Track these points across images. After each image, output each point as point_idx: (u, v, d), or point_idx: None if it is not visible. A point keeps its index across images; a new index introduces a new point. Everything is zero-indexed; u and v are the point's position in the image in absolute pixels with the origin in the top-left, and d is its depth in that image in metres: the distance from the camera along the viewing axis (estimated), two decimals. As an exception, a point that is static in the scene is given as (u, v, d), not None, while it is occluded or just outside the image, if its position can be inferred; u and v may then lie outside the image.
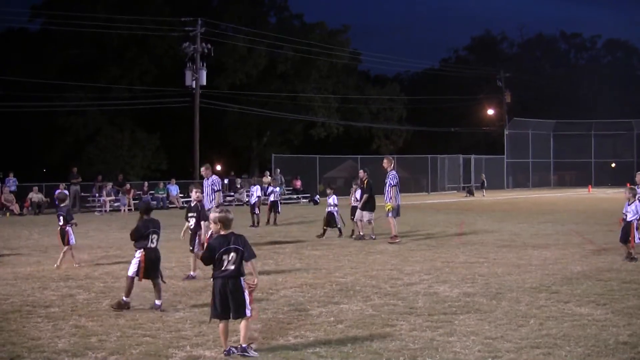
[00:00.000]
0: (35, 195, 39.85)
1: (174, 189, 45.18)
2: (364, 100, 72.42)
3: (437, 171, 64.93)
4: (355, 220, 22.74)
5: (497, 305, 11.38)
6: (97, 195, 43.47)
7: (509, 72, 78.75)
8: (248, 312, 8.50)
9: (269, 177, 47.07)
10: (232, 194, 47.72)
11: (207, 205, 17.63)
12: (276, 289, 13.06)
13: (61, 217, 16.61)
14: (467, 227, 26.55)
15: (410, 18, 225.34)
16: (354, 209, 23.35)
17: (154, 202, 43.00)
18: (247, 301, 8.51)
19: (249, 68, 65.35)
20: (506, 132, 74.23)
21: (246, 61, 64.93)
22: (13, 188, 40.55)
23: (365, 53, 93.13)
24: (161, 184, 45.63)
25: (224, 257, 8.52)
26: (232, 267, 8.48)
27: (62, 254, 16.32)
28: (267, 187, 31.56)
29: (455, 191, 63.29)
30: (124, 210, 41.34)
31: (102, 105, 58.06)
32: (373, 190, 22.56)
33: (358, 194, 23.34)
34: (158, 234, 12.03)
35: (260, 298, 12.13)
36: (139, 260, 11.61)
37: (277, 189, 32.41)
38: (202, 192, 16.82)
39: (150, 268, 11.65)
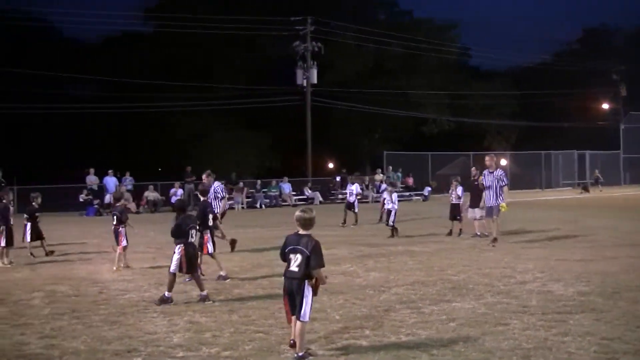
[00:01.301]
0: (150, 194, 40.83)
1: (286, 187, 45.56)
2: (474, 96, 71.55)
3: (551, 167, 63.68)
4: (469, 218, 22.44)
5: (613, 305, 11.08)
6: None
7: (624, 65, 76.37)
8: (303, 317, 8.32)
9: (381, 175, 47.16)
10: (344, 191, 47.80)
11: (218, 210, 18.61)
12: (388, 286, 13.05)
13: (115, 217, 16.63)
14: (583, 224, 26.00)
15: (519, 11, 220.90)
16: (453, 207, 23.06)
17: (267, 201, 43.51)
18: (307, 307, 8.34)
19: (358, 65, 65.35)
20: (622, 126, 72.17)
21: (355, 58, 64.95)
22: (129, 187, 41.63)
23: (475, 48, 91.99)
24: (274, 182, 46.06)
25: (291, 256, 8.48)
26: (296, 269, 8.37)
27: (117, 255, 16.39)
28: (380, 185, 31.45)
29: (569, 188, 61.90)
30: (238, 208, 41.89)
31: (214, 104, 58.94)
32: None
33: (460, 190, 23.08)
34: (196, 229, 12.54)
35: (372, 295, 12.18)
36: (180, 256, 11.95)
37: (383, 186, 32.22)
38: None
39: (190, 262, 12.04)
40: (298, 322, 8.34)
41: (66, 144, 69.00)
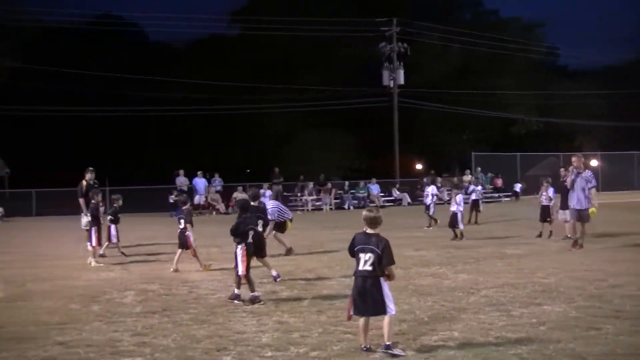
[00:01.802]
0: (239, 195, 41.16)
1: (374, 188, 45.52)
2: (563, 96, 70.26)
3: (645, 168, 62.19)
4: (560, 220, 22.03)
5: None
6: (299, 194, 44.41)
7: None
8: (390, 311, 8.44)
9: (470, 176, 46.74)
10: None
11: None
12: (477, 288, 12.94)
13: (182, 221, 16.68)
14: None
15: (607, 8, 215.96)
16: (544, 208, 22.68)
17: (355, 202, 43.54)
18: (388, 299, 8.44)
19: (444, 65, 64.96)
20: None
21: (441, 59, 64.58)
22: (219, 188, 42.16)
23: (563, 47, 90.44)
24: (362, 183, 46.08)
25: (361, 255, 8.54)
26: (370, 268, 8.44)
27: (177, 256, 16.47)
28: (469, 186, 31.11)
29: (664, 189, 60.40)
30: (326, 209, 42.05)
31: (302, 106, 59.24)
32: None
33: (551, 192, 22.68)
34: (255, 231, 12.67)
35: (460, 297, 12.09)
36: (242, 256, 12.16)
37: (479, 187, 31.87)
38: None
39: (248, 262, 12.25)
40: (386, 317, 8.46)
41: (156, 146, 70.26)
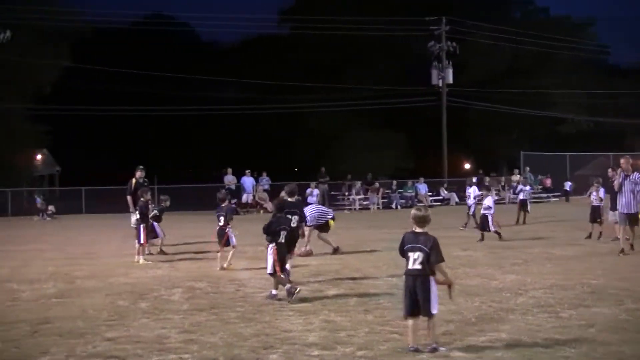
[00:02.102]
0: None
1: (422, 188, 45.35)
2: (614, 95, 69.29)
3: (701, 169, 61.05)
4: (610, 222, 21.68)
5: None
6: (346, 193, 44.38)
7: None
8: (433, 311, 8.46)
9: (518, 176, 46.37)
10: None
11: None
12: (525, 289, 12.83)
13: (221, 218, 16.80)
14: None
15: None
16: (594, 209, 22.38)
17: (402, 201, 43.44)
18: (435, 300, 8.46)
19: (493, 65, 64.46)
20: None
21: (490, 58, 64.10)
22: (266, 187, 42.28)
23: (614, 45, 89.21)
24: (409, 183, 45.95)
25: (410, 254, 8.56)
26: (419, 267, 8.46)
27: (220, 255, 16.62)
28: (517, 186, 30.85)
29: None
30: (373, 208, 41.97)
31: (350, 105, 59.18)
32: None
33: (602, 192, 22.37)
34: (287, 231, 12.68)
35: (508, 298, 12.00)
36: (273, 256, 12.29)
37: (527, 187, 31.52)
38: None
39: (281, 261, 12.33)
40: (429, 317, 8.50)
41: (205, 144, 70.71)
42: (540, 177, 50.18)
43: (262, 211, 38.99)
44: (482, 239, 21.56)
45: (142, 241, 18.13)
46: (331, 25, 56.54)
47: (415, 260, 8.50)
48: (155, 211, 19.88)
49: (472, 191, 27.94)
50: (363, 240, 22.72)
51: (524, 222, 28.48)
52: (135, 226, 20.04)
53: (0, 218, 39.67)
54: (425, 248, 8.46)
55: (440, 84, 52.96)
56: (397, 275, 14.46)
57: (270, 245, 12.42)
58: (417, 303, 8.50)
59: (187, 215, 35.32)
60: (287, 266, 12.91)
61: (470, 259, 17.26)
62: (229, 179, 41.90)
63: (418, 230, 8.71)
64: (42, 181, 59.28)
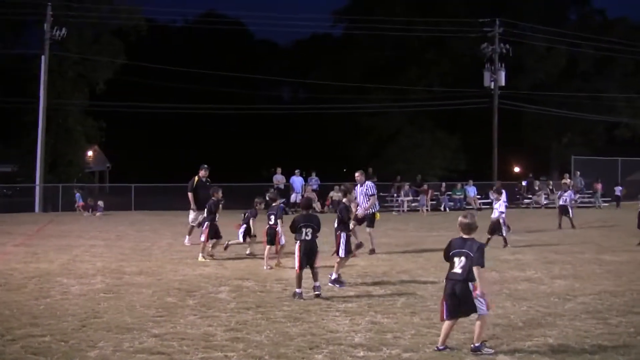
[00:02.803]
0: (336, 194, 41.23)
1: (471, 190, 45.07)
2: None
3: None
4: None
5: None
6: (395, 195, 44.27)
7: None
8: (483, 313, 8.48)
9: (568, 180, 45.91)
10: (530, 196, 46.85)
11: (360, 210, 18.95)
12: (573, 294, 12.72)
13: (272, 217, 16.94)
14: None
15: None
16: None
17: (451, 204, 43.27)
18: (480, 303, 8.46)
19: (548, 67, 63.81)
20: None
21: (545, 60, 63.46)
22: (315, 187, 42.34)
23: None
24: (459, 185, 45.71)
25: (455, 259, 8.64)
26: (460, 272, 8.54)
27: (267, 252, 16.81)
28: (561, 191, 30.32)
29: None
30: (422, 210, 41.83)
31: (402, 106, 59.03)
32: None
33: None
34: (312, 228, 12.81)
35: (556, 303, 11.90)
36: (298, 253, 12.63)
37: (567, 192, 30.67)
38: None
39: (305, 258, 12.59)
40: (478, 317, 8.56)
41: (256, 144, 71.07)
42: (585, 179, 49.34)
43: (310, 211, 39.03)
44: (487, 242, 20.32)
45: (203, 239, 18.25)
46: (384, 25, 56.46)
47: (458, 264, 8.58)
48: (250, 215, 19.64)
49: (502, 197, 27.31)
50: (412, 242, 22.68)
51: (572, 226, 27.90)
52: (193, 224, 20.37)
53: (51, 213, 40.23)
54: (470, 253, 8.52)
55: (492, 86, 52.59)
56: (444, 277, 14.46)
57: (298, 242, 12.73)
58: (457, 306, 8.54)
59: (236, 215, 35.47)
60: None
61: (519, 262, 17.15)
62: (278, 179, 42.04)
63: (465, 236, 8.79)
64: (92, 177, 59.96)
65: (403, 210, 41.76)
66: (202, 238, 18.29)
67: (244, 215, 19.11)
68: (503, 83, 52.58)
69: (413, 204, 42.99)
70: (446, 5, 65.28)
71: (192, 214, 21.39)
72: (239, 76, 58.25)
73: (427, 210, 42.15)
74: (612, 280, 14.51)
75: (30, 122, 45.13)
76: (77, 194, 41.63)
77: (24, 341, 9.19)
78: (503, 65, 52.75)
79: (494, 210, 21.64)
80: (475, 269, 8.46)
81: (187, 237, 21.63)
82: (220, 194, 19.20)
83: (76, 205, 40.45)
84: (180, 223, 29.52)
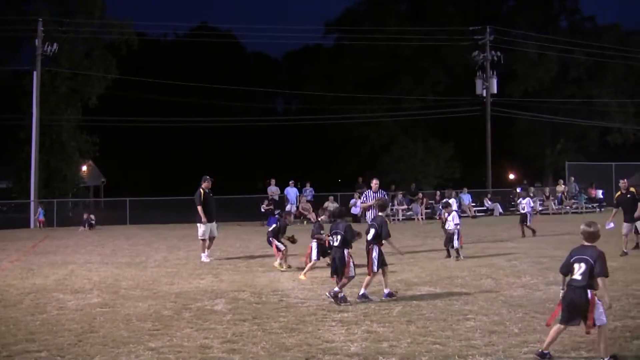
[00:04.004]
0: (330, 205, 41.12)
1: (466, 198, 45.12)
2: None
3: None
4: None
5: None
6: (389, 204, 44.26)
7: None
8: (600, 322, 8.48)
9: (563, 186, 46.07)
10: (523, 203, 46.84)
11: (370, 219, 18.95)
12: (568, 300, 12.72)
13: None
14: None
15: None
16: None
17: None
18: (597, 311, 8.46)
19: (540, 74, 64.05)
20: None
21: (537, 67, 63.69)
22: (310, 197, 42.32)
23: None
24: (453, 193, 45.72)
25: (575, 265, 8.64)
26: (580, 278, 8.52)
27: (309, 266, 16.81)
28: (560, 196, 30.26)
29: None
30: (418, 219, 41.84)
31: (395, 115, 59.18)
32: None
33: None
34: (339, 235, 13.14)
35: (552, 309, 11.89)
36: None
37: (526, 200, 29.88)
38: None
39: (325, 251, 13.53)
40: (597, 328, 8.54)
41: (250, 155, 71.10)
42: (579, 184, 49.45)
43: (305, 222, 39.03)
44: (449, 255, 20.47)
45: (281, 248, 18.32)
46: (376, 35, 56.64)
47: (578, 270, 8.59)
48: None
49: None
50: (407, 250, 22.64)
51: (534, 234, 27.15)
52: (202, 238, 20.28)
53: (46, 228, 40.22)
54: (590, 260, 8.53)
55: (485, 94, 52.71)
56: (440, 287, 14.50)
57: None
58: (572, 314, 8.56)
59: (230, 226, 35.50)
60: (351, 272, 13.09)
61: (515, 269, 17.16)
62: (273, 190, 42.03)
63: (586, 244, 8.84)
64: (87, 192, 59.94)
65: (398, 219, 41.77)
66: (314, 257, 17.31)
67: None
68: (495, 90, 52.70)
69: (407, 213, 43.02)
70: (438, 14, 65.57)
71: (202, 227, 20.79)
72: (231, 89, 58.30)
73: (422, 218, 42.14)
74: (607, 285, 14.51)
75: (24, 138, 45.22)
76: (40, 210, 41.68)
77: (21, 357, 9.19)
78: (495, 72, 52.88)
79: (447, 222, 21.09)
80: (600, 280, 8.46)
81: (203, 254, 20.73)
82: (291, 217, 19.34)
83: (37, 220, 40.74)
84: (175, 236, 29.59)
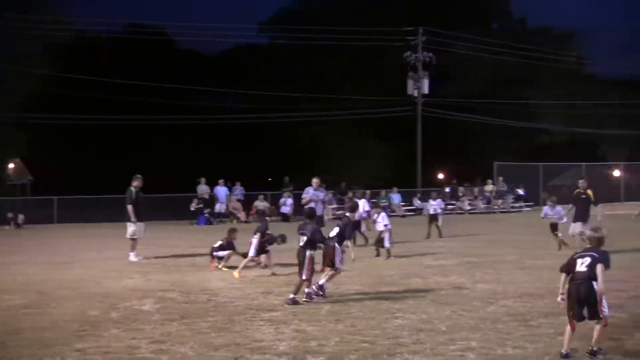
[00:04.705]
0: (260, 204, 41.20)
1: (396, 198, 45.40)
2: (590, 106, 69.72)
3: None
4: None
5: None
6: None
7: None
8: (605, 313, 8.62)
9: (491, 186, 46.72)
10: (454, 202, 47.37)
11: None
12: (495, 298, 12.91)
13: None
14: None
15: (636, 17, 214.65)
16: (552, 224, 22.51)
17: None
18: (602, 304, 8.59)
19: (471, 75, 64.80)
20: None
21: (469, 68, 64.41)
22: (240, 197, 42.17)
23: (591, 56, 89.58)
24: (383, 192, 45.96)
25: (579, 260, 8.80)
26: (584, 269, 8.68)
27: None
28: (489, 196, 30.69)
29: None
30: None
31: (328, 115, 59.28)
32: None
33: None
34: (305, 235, 13.17)
35: (479, 307, 12.06)
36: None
37: (436, 201, 30.09)
38: None
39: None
40: (596, 324, 8.71)
41: (178, 154, 70.51)
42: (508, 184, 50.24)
43: (235, 221, 38.90)
44: (378, 254, 20.74)
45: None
46: (309, 35, 56.70)
47: (582, 263, 8.72)
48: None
49: (362, 205, 25.78)
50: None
51: (440, 236, 27.43)
52: (132, 237, 19.93)
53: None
54: (595, 254, 8.72)
55: (416, 94, 53.07)
56: (369, 284, 14.57)
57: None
58: (582, 308, 8.68)
59: (158, 225, 35.19)
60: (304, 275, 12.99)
61: (442, 268, 17.33)
62: (203, 189, 41.79)
63: (591, 247, 9.01)
64: (14, 190, 58.80)
65: (328, 218, 41.81)
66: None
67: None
68: (426, 91, 53.08)
69: (337, 212, 43.11)
70: (372, 15, 65.87)
71: (132, 227, 20.46)
72: (165, 87, 57.74)
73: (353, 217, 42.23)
74: (532, 283, 14.76)
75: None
76: None
77: (-60, 360, 8.98)
78: (427, 73, 53.28)
79: (377, 223, 21.29)
80: (599, 266, 8.59)
81: (131, 253, 20.45)
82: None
83: None
84: (103, 235, 29.23)
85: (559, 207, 22.79)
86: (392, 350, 8.97)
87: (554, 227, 22.35)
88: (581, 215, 21.12)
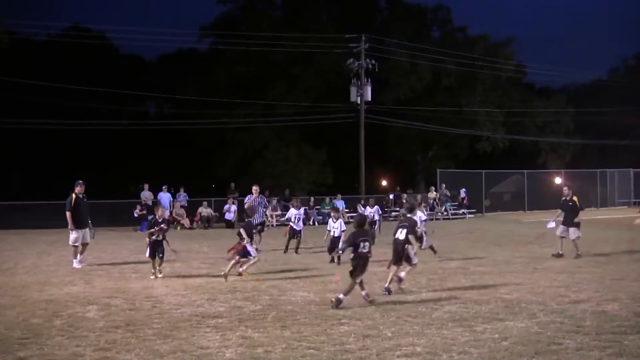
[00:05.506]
0: (204, 210, 40.99)
1: (339, 204, 45.47)
2: (530, 113, 70.63)
3: (607, 186, 62.51)
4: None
5: (671, 325, 10.93)
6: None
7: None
8: (414, 261, 9.53)
9: (435, 193, 47.07)
10: (398, 209, 47.61)
11: (256, 220, 21.48)
12: (440, 304, 13.01)
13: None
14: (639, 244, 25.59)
15: (575, 27, 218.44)
16: None
17: (320, 217, 43.60)
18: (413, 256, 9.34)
19: (413, 82, 65.18)
20: (681, 144, 70.74)
21: (409, 76, 64.80)
22: (184, 203, 41.88)
23: (531, 65, 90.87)
24: (327, 199, 46.08)
25: (399, 231, 11.21)
26: (403, 238, 10.95)
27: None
28: (432, 203, 30.93)
29: (626, 207, 60.70)
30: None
31: (269, 121, 59.25)
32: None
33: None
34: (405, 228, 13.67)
35: (424, 313, 12.15)
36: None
37: (373, 208, 30.67)
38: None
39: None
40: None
41: (121, 159, 70.01)
42: (450, 191, 50.72)
43: (179, 227, 38.65)
44: (333, 260, 20.76)
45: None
46: (251, 41, 56.62)
47: (399, 233, 11.23)
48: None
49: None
50: (281, 256, 22.71)
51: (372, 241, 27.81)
52: (74, 244, 19.65)
53: None
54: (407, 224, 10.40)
55: (359, 101, 53.25)
56: (315, 290, 14.59)
57: None
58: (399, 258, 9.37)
59: (102, 232, 34.81)
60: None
61: (387, 274, 17.40)
62: (146, 195, 41.39)
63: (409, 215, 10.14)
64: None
65: (272, 225, 41.82)
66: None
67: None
68: (369, 98, 53.24)
69: (282, 219, 43.11)
70: (313, 21, 66.00)
71: (74, 234, 20.12)
72: (104, 91, 57.22)
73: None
74: (477, 289, 14.91)
75: None
76: None
77: None
78: (369, 80, 53.49)
79: (333, 230, 21.41)
80: (411, 236, 10.74)
81: (75, 260, 20.22)
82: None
83: None
84: (45, 241, 28.81)
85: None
86: (338, 357, 9.01)
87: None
88: (567, 220, 21.81)
